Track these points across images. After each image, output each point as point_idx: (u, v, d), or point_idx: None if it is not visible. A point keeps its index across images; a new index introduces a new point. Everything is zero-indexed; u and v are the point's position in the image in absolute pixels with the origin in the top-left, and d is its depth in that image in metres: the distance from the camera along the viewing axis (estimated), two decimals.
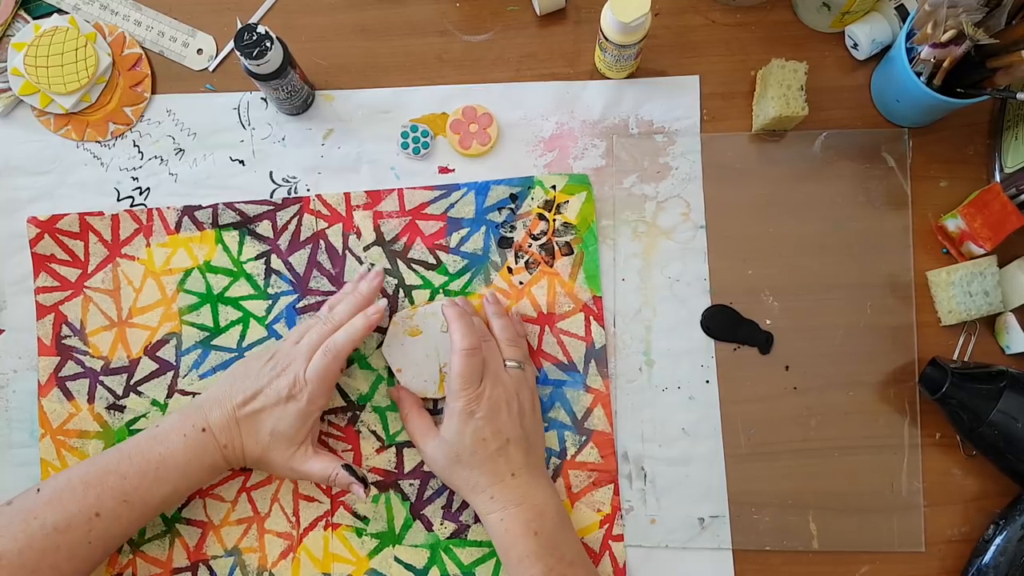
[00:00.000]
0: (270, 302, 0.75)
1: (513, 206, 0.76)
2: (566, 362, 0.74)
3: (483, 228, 0.75)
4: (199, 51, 0.78)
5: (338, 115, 0.77)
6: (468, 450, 0.66)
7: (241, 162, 0.77)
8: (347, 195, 0.76)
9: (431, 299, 0.75)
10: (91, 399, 0.73)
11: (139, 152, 0.77)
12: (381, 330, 0.74)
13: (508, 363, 0.69)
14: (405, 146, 0.76)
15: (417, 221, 0.75)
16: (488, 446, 0.66)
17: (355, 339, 0.66)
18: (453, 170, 0.77)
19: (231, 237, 0.75)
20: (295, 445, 0.66)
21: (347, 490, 0.68)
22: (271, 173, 0.77)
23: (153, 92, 0.78)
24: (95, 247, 0.75)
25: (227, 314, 0.75)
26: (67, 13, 0.78)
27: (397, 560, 0.72)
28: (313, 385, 0.65)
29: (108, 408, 0.73)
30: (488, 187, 0.76)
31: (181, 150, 0.77)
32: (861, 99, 0.77)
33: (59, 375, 0.73)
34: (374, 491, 0.72)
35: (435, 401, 0.73)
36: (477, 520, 0.72)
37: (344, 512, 0.72)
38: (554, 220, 0.75)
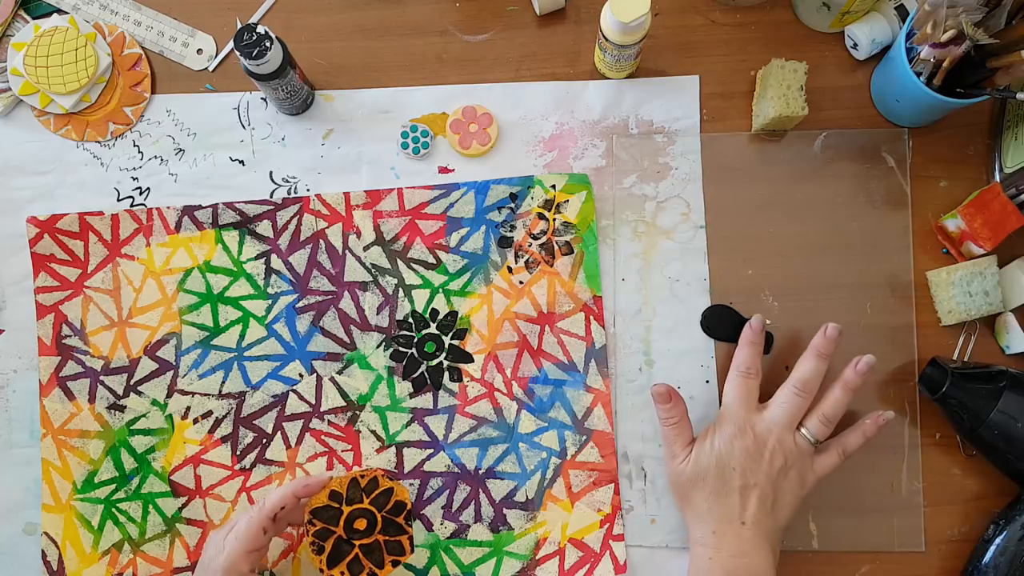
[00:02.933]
0: (270, 302, 0.75)
1: (513, 205, 0.76)
2: (566, 362, 0.74)
3: (483, 227, 0.75)
4: (199, 51, 0.78)
5: (338, 115, 0.77)
6: (712, 473, 0.64)
7: (241, 162, 0.77)
8: (347, 195, 0.76)
9: (431, 299, 0.75)
10: (92, 399, 0.73)
11: (139, 152, 0.77)
12: (380, 329, 0.74)
13: (802, 430, 0.66)
14: (405, 146, 0.76)
15: (417, 221, 0.76)
16: (732, 480, 0.64)
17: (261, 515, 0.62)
18: (453, 170, 0.77)
19: (231, 237, 0.75)
20: None
21: None
22: (271, 173, 0.77)
23: (153, 92, 0.78)
24: (95, 247, 0.75)
25: (227, 314, 0.75)
26: (67, 13, 0.78)
27: None
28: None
29: (109, 408, 0.73)
30: (488, 187, 0.76)
31: (181, 150, 0.77)
32: (861, 99, 0.77)
33: (60, 375, 0.73)
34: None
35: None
36: (477, 520, 0.72)
37: None
38: (554, 220, 0.75)
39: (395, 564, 0.62)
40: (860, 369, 0.67)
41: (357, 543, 0.61)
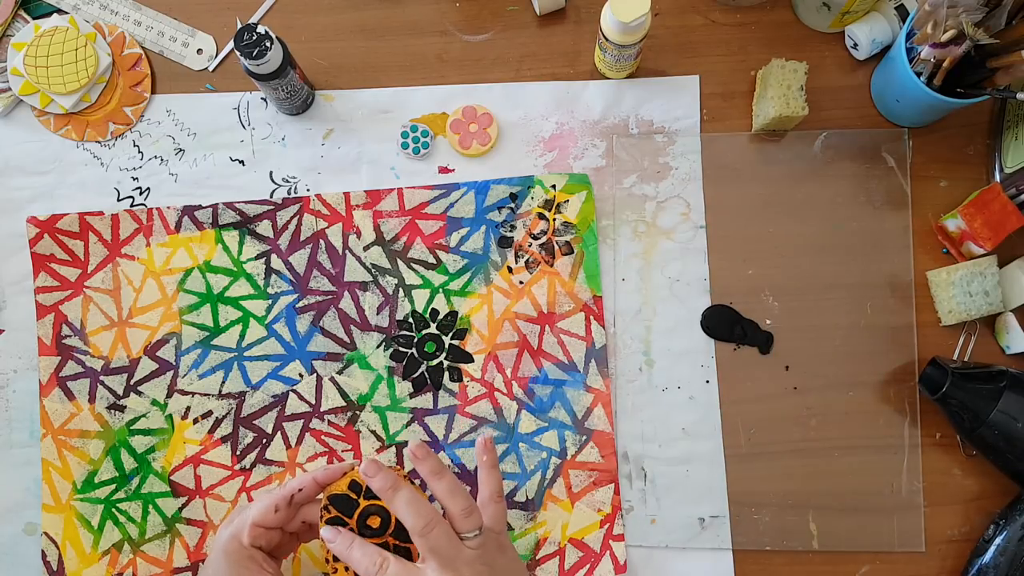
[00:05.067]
0: (270, 302, 0.75)
1: (513, 205, 0.76)
2: (566, 362, 0.74)
3: (483, 227, 0.75)
4: (199, 51, 0.78)
5: (338, 115, 0.77)
6: None
7: (241, 162, 0.77)
8: (347, 195, 0.76)
9: (431, 299, 0.75)
10: (92, 399, 0.73)
11: (139, 152, 0.77)
12: (380, 329, 0.74)
13: (465, 536, 0.58)
14: (405, 146, 0.76)
15: (417, 220, 0.75)
16: None
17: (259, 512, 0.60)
18: (453, 170, 0.77)
19: (231, 237, 0.75)
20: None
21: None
22: (271, 173, 0.77)
23: (153, 92, 0.78)
24: (95, 247, 0.75)
25: (227, 314, 0.75)
26: (67, 13, 0.78)
27: None
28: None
29: (109, 408, 0.73)
30: (488, 186, 0.76)
31: (181, 150, 0.77)
32: (861, 99, 0.77)
33: (60, 375, 0.73)
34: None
35: None
36: None
37: None
38: (554, 219, 0.75)
39: None
40: (479, 448, 0.63)
41: (367, 541, 0.60)
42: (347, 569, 0.59)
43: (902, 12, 0.74)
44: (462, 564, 0.56)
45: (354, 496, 0.60)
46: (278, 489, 0.61)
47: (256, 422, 0.73)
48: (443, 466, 0.60)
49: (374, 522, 0.60)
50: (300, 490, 0.61)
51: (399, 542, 0.60)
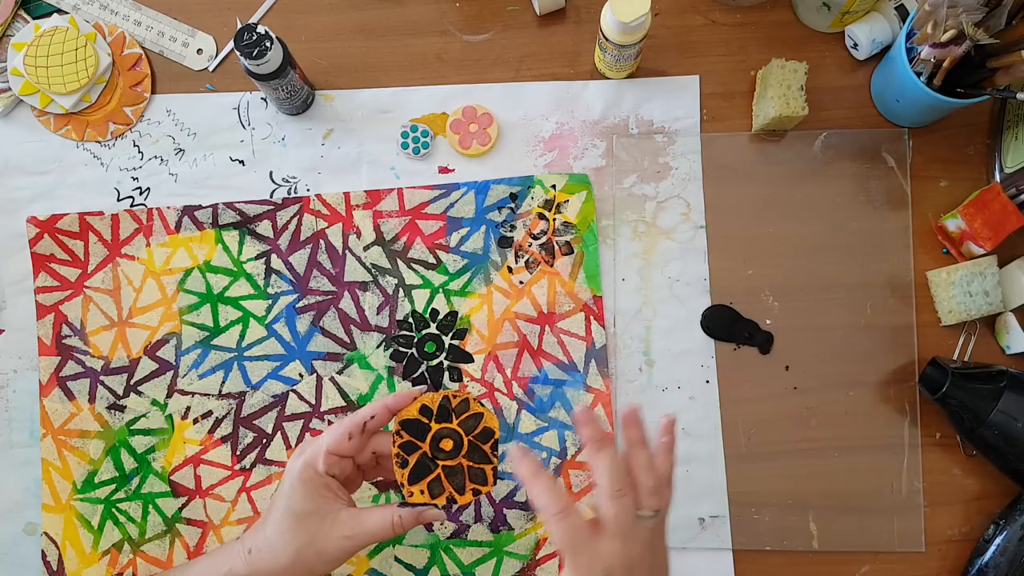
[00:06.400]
0: (270, 302, 0.75)
1: (513, 205, 0.76)
2: (566, 362, 0.74)
3: (483, 227, 0.75)
4: (199, 51, 0.78)
5: (338, 115, 0.77)
6: None
7: (241, 162, 0.77)
8: (347, 195, 0.76)
9: (431, 298, 0.75)
10: (92, 399, 0.73)
11: (139, 152, 0.77)
12: (380, 329, 0.74)
13: (642, 515, 0.55)
14: (405, 146, 0.76)
15: (417, 220, 0.75)
16: None
17: (336, 435, 0.59)
18: (453, 170, 0.77)
19: (231, 237, 0.75)
20: (323, 516, 0.58)
21: (427, 520, 0.59)
22: (271, 173, 0.77)
23: (153, 92, 0.78)
24: (95, 247, 0.75)
25: (227, 314, 0.75)
26: (67, 13, 0.78)
27: (397, 560, 0.72)
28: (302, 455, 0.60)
29: (109, 408, 0.73)
30: (488, 186, 0.76)
31: (181, 150, 0.77)
32: (861, 99, 0.77)
33: (60, 375, 0.73)
34: (441, 511, 0.60)
35: None
36: (477, 520, 0.72)
37: None
38: (554, 219, 0.75)
39: (475, 493, 0.59)
40: (665, 426, 0.60)
41: (441, 463, 0.59)
42: (422, 492, 0.58)
43: (902, 12, 0.74)
44: (633, 541, 0.54)
45: (425, 420, 0.59)
46: (350, 416, 0.60)
47: (256, 422, 0.73)
48: (647, 438, 0.58)
49: (447, 445, 0.59)
50: (372, 417, 0.59)
51: (473, 463, 0.59)
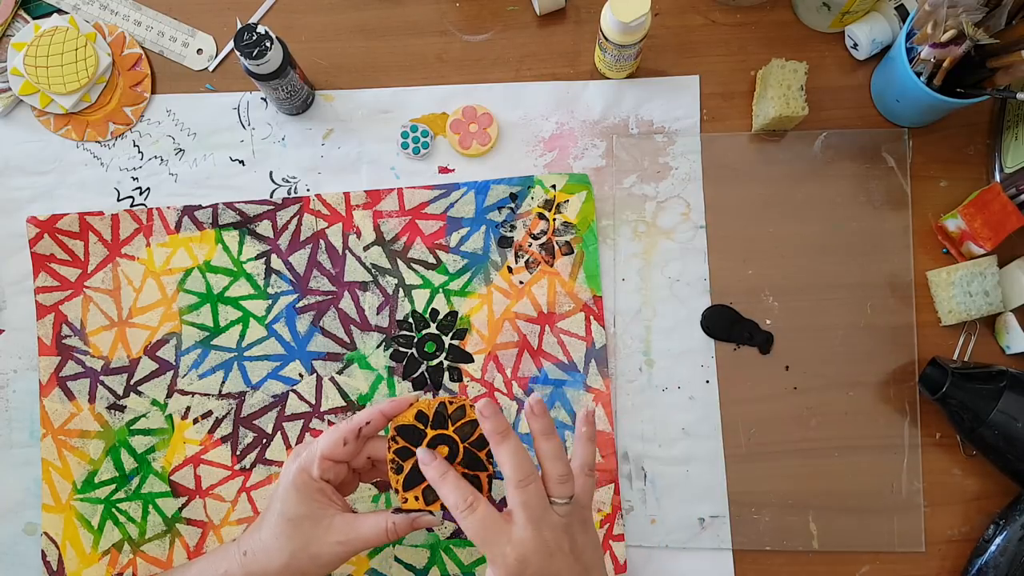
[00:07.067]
0: (270, 302, 0.75)
1: (513, 205, 0.76)
2: (566, 362, 0.74)
3: (483, 227, 0.75)
4: (199, 51, 0.78)
5: (338, 115, 0.77)
6: None
7: (241, 162, 0.77)
8: (347, 195, 0.76)
9: (431, 299, 0.75)
10: (92, 399, 0.73)
11: (139, 152, 0.77)
12: (380, 329, 0.74)
13: (555, 501, 0.56)
14: (405, 146, 0.76)
15: (417, 220, 0.75)
16: None
17: (331, 440, 0.59)
18: (453, 170, 0.77)
19: (231, 237, 0.75)
20: (317, 520, 0.58)
21: (421, 526, 0.59)
22: (271, 173, 0.77)
23: (153, 92, 0.78)
24: (95, 247, 0.75)
25: (227, 314, 0.75)
26: (67, 13, 0.78)
27: (397, 560, 0.72)
28: (297, 458, 0.60)
29: (109, 408, 0.73)
30: (488, 186, 0.76)
31: (181, 150, 0.77)
32: (861, 99, 0.77)
33: (60, 375, 0.73)
34: (438, 517, 0.60)
35: None
36: None
37: None
38: (554, 219, 0.75)
39: None
40: (582, 418, 0.60)
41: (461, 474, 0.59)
42: (416, 499, 0.58)
43: (902, 12, 0.74)
44: (546, 527, 0.54)
45: (421, 427, 0.59)
46: (345, 422, 0.60)
47: (256, 422, 0.73)
48: (554, 428, 0.58)
49: (442, 451, 0.59)
50: (368, 423, 0.59)
51: (468, 470, 0.59)
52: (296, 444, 0.73)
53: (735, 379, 0.74)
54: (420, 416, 0.59)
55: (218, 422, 0.73)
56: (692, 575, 0.72)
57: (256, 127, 0.77)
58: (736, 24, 0.79)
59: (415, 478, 0.58)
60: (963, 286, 0.71)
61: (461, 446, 0.58)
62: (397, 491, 0.58)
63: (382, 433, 0.60)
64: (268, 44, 0.67)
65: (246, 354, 0.74)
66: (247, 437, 0.73)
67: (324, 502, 0.59)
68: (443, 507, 0.58)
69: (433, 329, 0.74)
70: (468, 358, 0.74)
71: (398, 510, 0.58)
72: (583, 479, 0.58)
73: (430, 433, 0.59)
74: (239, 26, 0.74)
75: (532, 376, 0.74)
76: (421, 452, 0.57)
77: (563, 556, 0.54)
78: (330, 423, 0.73)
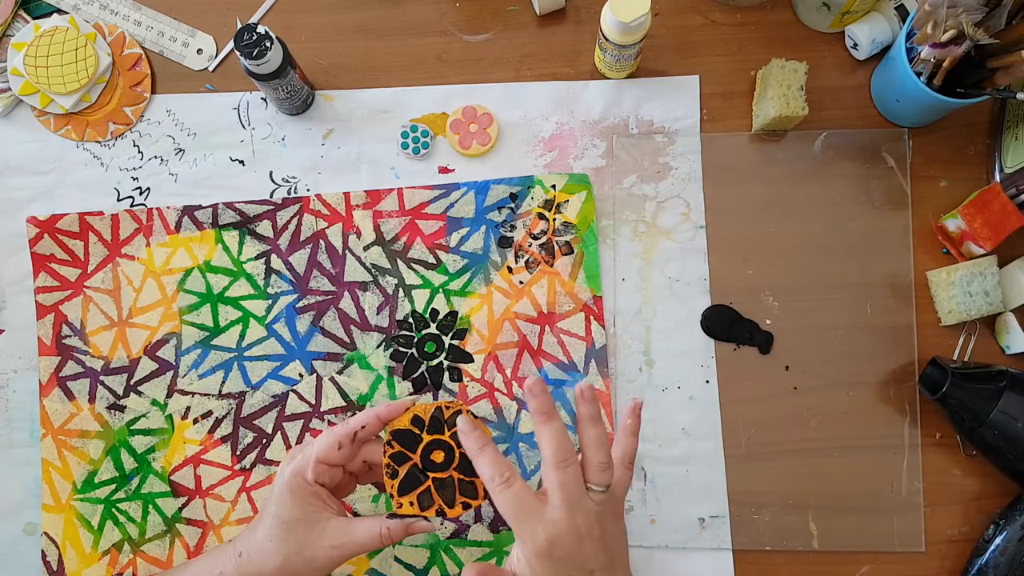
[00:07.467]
0: (270, 302, 0.75)
1: (513, 205, 0.76)
2: (566, 362, 0.74)
3: (483, 227, 0.75)
4: (199, 51, 0.78)
5: (338, 115, 0.77)
6: None
7: (241, 162, 0.77)
8: (347, 195, 0.76)
9: (431, 299, 0.75)
10: (92, 399, 0.73)
11: (139, 152, 0.77)
12: (380, 329, 0.74)
13: (592, 488, 0.55)
14: (405, 146, 0.76)
15: (417, 220, 0.76)
16: None
17: (324, 446, 0.59)
18: (453, 170, 0.77)
19: (231, 237, 0.75)
20: (311, 524, 0.58)
21: (416, 532, 0.59)
22: (271, 173, 0.77)
23: (153, 92, 0.78)
24: (95, 247, 0.75)
25: (227, 314, 0.75)
26: (67, 13, 0.78)
27: (397, 560, 0.72)
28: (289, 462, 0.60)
29: (109, 408, 0.73)
30: (488, 186, 0.76)
31: (181, 150, 0.77)
32: (861, 99, 0.77)
33: (60, 375, 0.73)
34: (433, 523, 0.60)
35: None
36: (477, 520, 0.72)
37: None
38: (554, 219, 0.75)
39: (465, 507, 0.58)
40: (631, 410, 0.59)
41: (431, 475, 0.58)
42: (412, 504, 0.58)
43: (902, 12, 0.74)
44: (580, 512, 0.54)
45: (417, 431, 0.58)
46: (340, 426, 0.59)
47: (256, 422, 0.74)
48: (601, 415, 0.57)
49: (438, 456, 0.58)
50: (363, 427, 0.59)
51: (464, 476, 0.58)
52: (296, 444, 0.73)
53: (735, 379, 0.74)
54: (416, 421, 0.59)
55: (218, 422, 0.73)
56: (692, 575, 0.72)
57: (256, 127, 0.77)
58: (736, 24, 0.79)
59: (410, 483, 0.58)
60: (963, 286, 0.71)
61: (457, 451, 0.58)
62: (392, 496, 0.58)
63: (382, 434, 0.60)
64: (268, 44, 0.67)
65: (246, 354, 0.74)
66: (247, 437, 0.73)
67: (319, 506, 0.59)
68: (438, 513, 0.58)
69: (433, 329, 0.74)
70: (468, 358, 0.74)
71: (392, 515, 0.58)
72: (622, 470, 0.58)
73: (426, 438, 0.58)
74: (239, 26, 0.74)
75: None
76: (461, 421, 0.56)
77: (592, 543, 0.54)
78: (330, 423, 0.73)
